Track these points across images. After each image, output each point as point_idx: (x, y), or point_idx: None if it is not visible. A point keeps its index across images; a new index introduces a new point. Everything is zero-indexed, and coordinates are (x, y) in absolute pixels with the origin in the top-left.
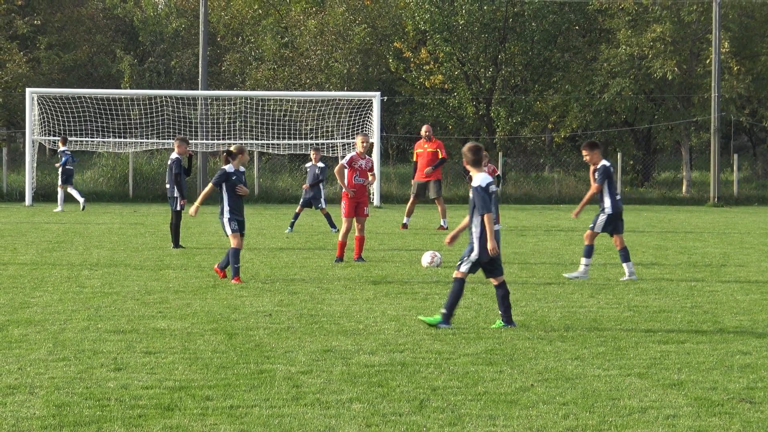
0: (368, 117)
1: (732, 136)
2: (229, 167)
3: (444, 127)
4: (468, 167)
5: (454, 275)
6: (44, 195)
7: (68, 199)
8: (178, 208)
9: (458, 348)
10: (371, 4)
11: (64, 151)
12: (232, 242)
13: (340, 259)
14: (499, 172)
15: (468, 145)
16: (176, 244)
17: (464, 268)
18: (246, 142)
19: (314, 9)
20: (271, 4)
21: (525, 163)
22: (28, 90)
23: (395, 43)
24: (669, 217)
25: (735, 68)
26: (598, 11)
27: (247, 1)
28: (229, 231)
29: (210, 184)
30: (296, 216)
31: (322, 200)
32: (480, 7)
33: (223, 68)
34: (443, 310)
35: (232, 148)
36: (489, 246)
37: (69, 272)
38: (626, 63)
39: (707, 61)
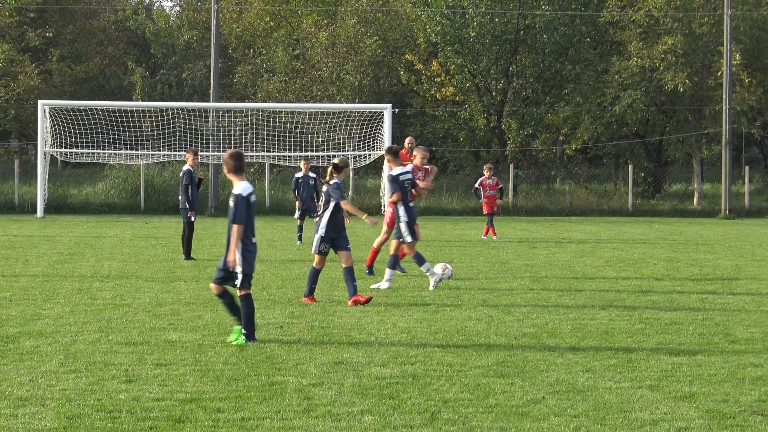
0: (379, 129)
1: (743, 149)
2: (338, 180)
3: (455, 139)
4: (229, 175)
5: (239, 294)
6: (56, 207)
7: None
8: (193, 219)
9: (469, 360)
10: (383, 17)
11: None
12: (315, 261)
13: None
14: (501, 185)
15: (229, 152)
16: (188, 256)
17: (241, 284)
18: (257, 153)
19: (326, 21)
20: (283, 17)
21: (536, 175)
22: (40, 102)
23: (406, 56)
24: (680, 229)
25: (746, 80)
26: (609, 23)
27: (259, 13)
28: (314, 249)
29: (341, 202)
30: (300, 228)
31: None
32: (491, 20)
33: (235, 80)
34: (244, 331)
35: (337, 161)
36: (229, 257)
37: (80, 284)
38: (637, 75)
39: (718, 74)
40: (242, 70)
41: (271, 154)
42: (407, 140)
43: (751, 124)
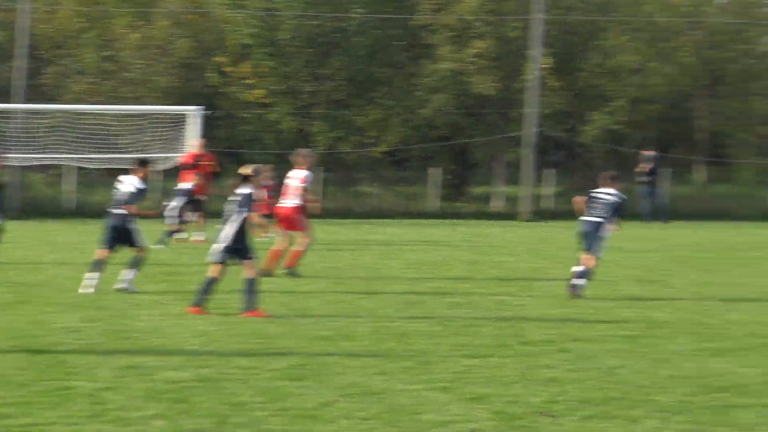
0: (187, 131)
1: (551, 151)
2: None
3: (262, 141)
4: None
5: None
6: None
7: None
8: None
9: (265, 363)
10: (197, 18)
11: None
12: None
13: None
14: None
15: None
16: None
17: None
18: (62, 156)
19: (141, 23)
20: (95, 18)
21: (344, 178)
22: None
23: (217, 57)
24: (484, 231)
25: (556, 84)
26: (422, 27)
27: (70, 14)
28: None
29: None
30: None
31: None
32: (303, 21)
33: (44, 81)
34: None
35: (248, 170)
36: None
37: None
38: (447, 78)
39: (528, 77)
40: (51, 71)
41: (76, 156)
42: (196, 143)
43: (557, 127)
